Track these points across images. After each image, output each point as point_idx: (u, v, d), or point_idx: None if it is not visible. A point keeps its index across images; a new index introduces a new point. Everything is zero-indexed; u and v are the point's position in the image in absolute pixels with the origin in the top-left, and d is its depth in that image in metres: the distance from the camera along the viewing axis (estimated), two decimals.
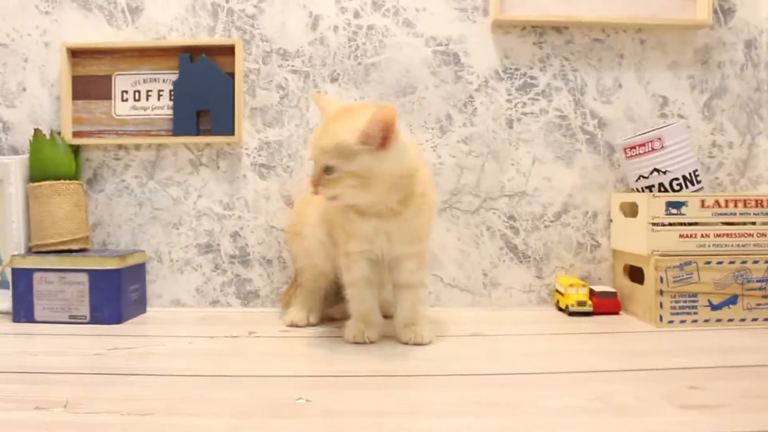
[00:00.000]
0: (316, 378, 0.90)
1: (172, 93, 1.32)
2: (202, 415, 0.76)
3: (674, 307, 1.18)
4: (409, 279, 1.06)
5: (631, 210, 1.28)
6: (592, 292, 1.27)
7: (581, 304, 1.25)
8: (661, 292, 1.18)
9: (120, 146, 1.35)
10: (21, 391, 0.85)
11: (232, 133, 1.30)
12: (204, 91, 1.30)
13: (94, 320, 1.22)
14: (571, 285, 1.27)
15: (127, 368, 0.94)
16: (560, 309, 1.30)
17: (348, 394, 0.83)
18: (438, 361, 0.97)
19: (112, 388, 0.86)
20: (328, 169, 0.95)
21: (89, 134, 1.34)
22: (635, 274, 1.27)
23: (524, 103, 1.33)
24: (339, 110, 0.99)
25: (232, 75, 1.31)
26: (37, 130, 1.29)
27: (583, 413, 0.76)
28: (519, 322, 1.22)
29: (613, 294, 1.27)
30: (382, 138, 0.93)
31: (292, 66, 1.33)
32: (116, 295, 1.22)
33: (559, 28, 1.33)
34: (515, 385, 0.86)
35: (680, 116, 1.34)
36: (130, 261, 1.27)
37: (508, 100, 1.33)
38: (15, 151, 1.37)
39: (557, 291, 1.32)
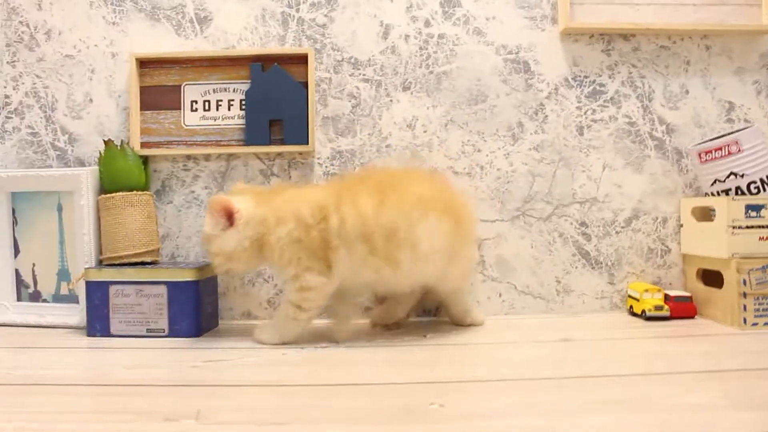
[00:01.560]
0: (441, 384, 0.89)
1: (244, 102, 1.31)
2: (334, 422, 0.75)
3: (758, 309, 1.18)
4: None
5: (702, 215, 1.29)
6: (667, 297, 1.28)
7: (658, 308, 1.26)
8: (744, 295, 1.18)
9: (189, 157, 1.34)
10: (137, 403, 0.83)
11: (305, 142, 1.29)
12: (276, 100, 1.30)
13: (172, 333, 1.20)
14: (647, 290, 1.28)
15: (232, 379, 0.93)
16: (633, 314, 1.30)
17: (480, 396, 0.82)
18: (545, 364, 0.97)
19: (228, 399, 0.84)
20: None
21: (158, 145, 1.33)
22: (708, 278, 1.28)
23: (594, 110, 1.34)
24: None
25: (303, 84, 1.30)
26: (109, 141, 1.27)
27: (719, 409, 0.76)
28: (601, 328, 1.22)
29: (689, 298, 1.28)
30: (228, 219, 1.11)
31: (364, 75, 1.33)
32: (195, 308, 1.20)
33: (626, 36, 1.34)
34: (642, 384, 0.86)
35: (746, 121, 1.35)
36: (207, 273, 1.25)
37: (578, 107, 1.34)
38: (81, 163, 1.35)
39: (630, 296, 1.32)
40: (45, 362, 1.05)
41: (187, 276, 1.20)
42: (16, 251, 1.33)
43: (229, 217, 1.11)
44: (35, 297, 1.32)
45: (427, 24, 1.33)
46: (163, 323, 1.20)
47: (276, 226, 1.10)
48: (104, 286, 1.21)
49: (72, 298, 1.30)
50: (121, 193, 1.25)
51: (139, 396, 0.85)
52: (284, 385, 0.90)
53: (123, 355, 1.08)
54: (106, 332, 1.21)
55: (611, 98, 1.34)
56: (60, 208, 1.30)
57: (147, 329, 1.20)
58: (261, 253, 1.12)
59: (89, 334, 1.21)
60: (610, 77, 1.34)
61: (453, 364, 1.00)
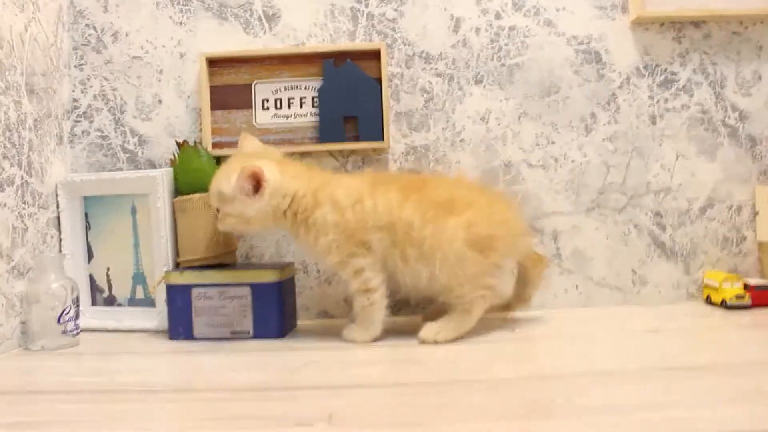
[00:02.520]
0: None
1: (317, 100, 1.30)
2: (468, 420, 0.74)
3: None
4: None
5: None
6: (746, 286, 1.27)
7: (739, 297, 1.25)
8: None
9: None
10: (257, 407, 0.82)
11: (381, 138, 1.28)
12: (350, 96, 1.29)
13: (257, 335, 1.19)
14: (726, 279, 1.27)
15: (340, 380, 0.91)
16: (712, 303, 1.30)
17: (602, 389, 0.82)
18: (648, 354, 0.97)
19: (353, 400, 0.83)
20: (217, 210, 1.13)
21: (230, 145, 1.32)
22: None
23: (666, 99, 1.33)
24: (233, 158, 1.15)
25: (376, 80, 1.29)
26: (183, 142, 1.26)
27: None
28: (683, 318, 1.22)
29: None
30: (254, 187, 1.09)
31: (436, 69, 1.32)
32: (279, 309, 1.19)
33: (697, 23, 1.33)
34: (759, 373, 0.86)
35: None
36: (289, 273, 1.24)
37: (650, 97, 1.33)
38: (152, 165, 1.34)
39: (707, 285, 1.32)
40: (135, 367, 1.04)
41: (271, 277, 1.19)
42: (90, 256, 1.32)
43: (257, 185, 1.09)
44: (110, 301, 1.31)
45: (498, 16, 1.32)
46: (248, 325, 1.19)
47: (314, 208, 1.10)
48: (186, 289, 1.20)
49: (148, 302, 1.29)
50: (198, 195, 1.24)
51: (254, 401, 0.84)
52: (402, 384, 0.89)
53: (214, 358, 1.08)
54: (189, 335, 1.20)
55: (683, 86, 1.33)
56: (134, 211, 1.29)
57: (231, 331, 1.19)
58: (277, 222, 1.13)
59: (172, 338, 1.20)
60: (681, 65, 1.33)
61: (557, 357, 1.00)
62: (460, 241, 1.07)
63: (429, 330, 1.09)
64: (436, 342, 1.08)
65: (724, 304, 1.26)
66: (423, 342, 1.09)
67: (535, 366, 0.95)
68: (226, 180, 1.10)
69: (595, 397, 0.80)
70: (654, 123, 1.33)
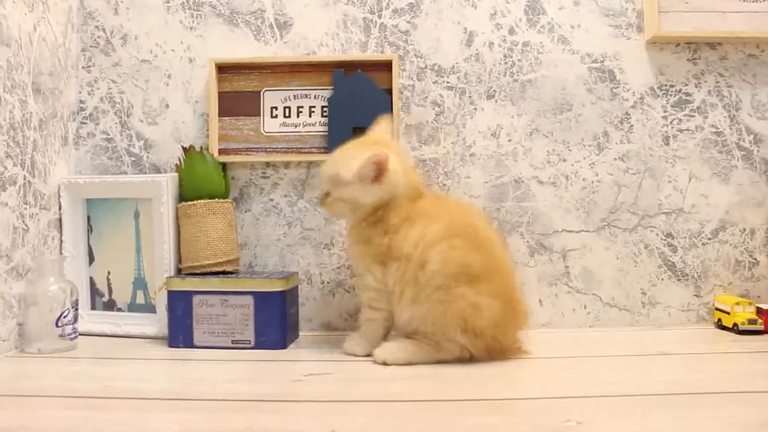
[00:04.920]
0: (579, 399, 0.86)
1: (326, 109, 1.29)
2: None
3: None
4: None
5: None
6: (759, 310, 1.25)
7: (752, 322, 1.23)
8: None
9: (268, 164, 1.31)
10: (258, 419, 0.79)
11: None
12: (360, 107, 1.27)
13: (258, 345, 1.16)
14: (738, 303, 1.25)
15: (343, 395, 0.89)
16: (723, 327, 1.27)
17: (615, 413, 0.79)
18: (659, 379, 0.95)
19: (354, 416, 0.81)
20: (327, 194, 1.11)
21: (236, 152, 1.30)
22: None
23: (680, 120, 1.32)
24: (350, 144, 1.13)
25: (387, 91, 1.28)
26: (190, 147, 1.25)
27: None
28: (693, 341, 1.20)
29: None
30: (376, 175, 1.06)
31: (448, 82, 1.31)
32: (281, 319, 1.17)
33: (713, 44, 1.32)
34: None
35: None
36: (292, 283, 1.22)
37: (664, 117, 1.32)
38: (157, 170, 1.32)
39: (718, 309, 1.29)
40: (132, 374, 1.02)
41: (274, 286, 1.16)
42: (91, 259, 1.30)
43: (379, 174, 1.07)
44: (110, 306, 1.29)
45: (512, 32, 1.31)
46: (249, 334, 1.17)
47: (403, 222, 1.08)
48: (188, 295, 1.18)
49: (148, 308, 1.27)
50: (202, 201, 1.22)
51: (254, 412, 0.82)
52: (406, 401, 0.86)
53: (214, 367, 1.05)
54: (189, 343, 1.17)
55: (697, 108, 1.32)
56: (137, 216, 1.27)
57: (232, 340, 1.17)
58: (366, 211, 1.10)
59: (171, 345, 1.18)
60: (696, 86, 1.32)
61: (567, 379, 0.97)
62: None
63: (382, 350, 1.05)
64: (385, 363, 1.04)
65: (735, 328, 1.24)
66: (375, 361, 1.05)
67: (543, 387, 0.93)
68: (346, 165, 1.07)
69: (606, 422, 0.77)
70: (667, 143, 1.31)
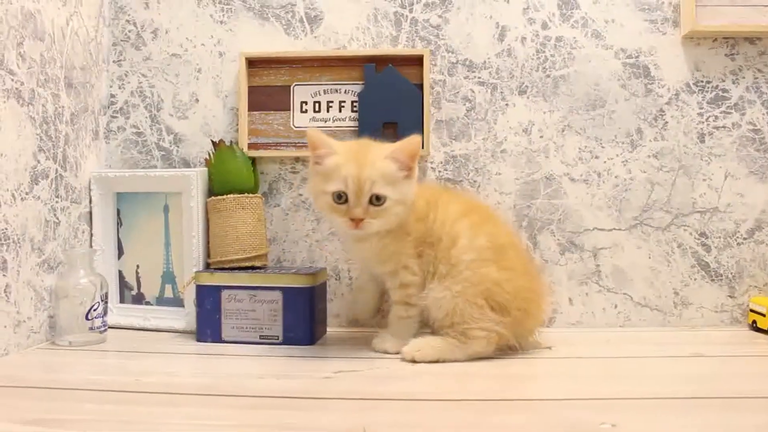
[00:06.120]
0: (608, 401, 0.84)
1: (356, 104, 1.28)
2: None
3: None
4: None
5: None
6: None
7: None
8: None
9: (297, 159, 1.31)
10: (288, 416, 0.79)
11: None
12: (391, 102, 1.26)
13: (286, 341, 1.16)
14: None
15: (373, 392, 0.88)
16: (758, 329, 1.25)
17: (650, 416, 0.78)
18: (694, 381, 0.93)
19: (387, 413, 0.80)
20: (378, 199, 1.00)
21: (266, 146, 1.30)
22: None
23: (716, 117, 1.29)
24: (355, 144, 1.07)
25: (417, 86, 1.26)
26: (220, 142, 1.25)
27: None
28: (727, 343, 1.17)
29: None
30: (408, 167, 1.03)
31: (479, 78, 1.29)
32: (309, 315, 1.17)
33: (752, 39, 1.29)
34: None
35: None
36: (321, 278, 1.21)
37: (700, 114, 1.29)
38: (186, 164, 1.32)
39: (753, 311, 1.26)
40: (160, 368, 1.02)
41: (303, 282, 1.16)
42: (120, 252, 1.30)
43: (411, 166, 1.04)
44: (138, 299, 1.29)
45: (545, 26, 1.29)
46: (277, 330, 1.16)
47: (427, 214, 1.09)
48: (216, 290, 1.18)
49: (176, 302, 1.27)
50: (232, 195, 1.22)
51: (283, 409, 0.82)
52: (437, 400, 0.86)
53: (243, 362, 1.05)
54: (217, 338, 1.17)
55: (735, 104, 1.29)
56: (167, 210, 1.28)
57: (260, 336, 1.17)
58: None
59: (199, 340, 1.18)
60: (734, 82, 1.29)
61: (599, 379, 0.96)
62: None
63: (411, 347, 1.04)
64: (414, 360, 1.03)
65: None
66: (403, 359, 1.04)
67: (574, 387, 0.91)
68: (379, 163, 1.01)
69: (640, 424, 0.76)
70: (702, 141, 1.29)
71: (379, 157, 1.02)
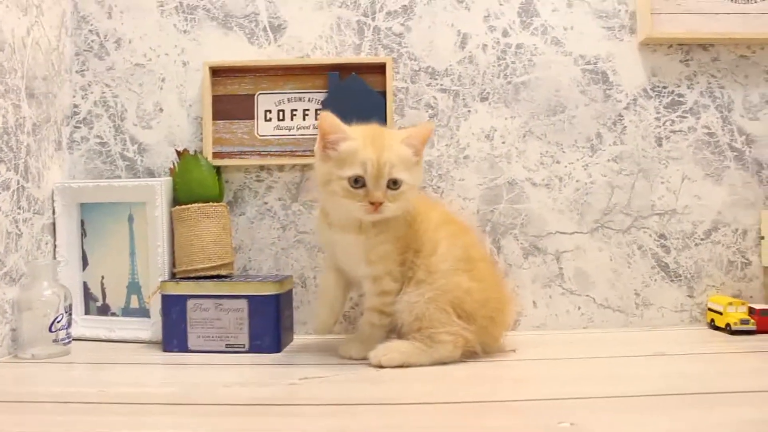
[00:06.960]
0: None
1: (321, 112, 1.28)
2: None
3: None
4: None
5: None
6: (752, 310, 1.25)
7: (744, 322, 1.23)
8: None
9: (262, 167, 1.31)
10: (261, 424, 0.80)
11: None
12: (355, 110, 1.26)
13: (253, 349, 1.16)
14: (731, 303, 1.25)
15: (343, 398, 0.89)
16: (716, 328, 1.28)
17: (611, 415, 0.79)
18: (656, 379, 0.95)
19: (352, 417, 0.81)
20: (395, 183, 1.01)
21: (230, 155, 1.30)
22: None
23: (672, 121, 1.32)
24: (369, 129, 1.06)
25: (381, 94, 1.28)
26: (184, 151, 1.25)
27: None
28: (687, 342, 1.20)
29: None
30: (419, 152, 1.05)
31: (441, 85, 1.31)
32: (275, 323, 1.17)
33: (705, 45, 1.33)
34: None
35: None
36: (287, 286, 1.22)
37: (657, 118, 1.32)
38: (151, 174, 1.32)
39: (711, 310, 1.30)
40: (127, 379, 1.01)
41: (269, 290, 1.16)
42: (85, 263, 1.29)
43: (422, 151, 1.06)
44: (104, 310, 1.29)
45: (505, 34, 1.31)
46: (243, 338, 1.17)
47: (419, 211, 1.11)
48: (182, 299, 1.18)
49: (142, 312, 1.26)
50: (196, 205, 1.22)
51: (253, 416, 0.82)
52: (407, 403, 0.87)
53: (210, 371, 1.05)
54: (183, 347, 1.17)
55: (690, 109, 1.32)
56: (131, 220, 1.27)
57: (226, 344, 1.17)
58: None
59: (165, 350, 1.18)
60: (688, 87, 1.32)
61: (561, 380, 0.97)
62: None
63: (377, 352, 1.04)
64: (380, 365, 1.03)
65: (728, 329, 1.24)
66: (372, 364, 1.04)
67: (536, 388, 0.93)
68: (397, 147, 1.02)
69: (599, 423, 0.77)
70: (660, 145, 1.32)
71: (396, 141, 1.03)
